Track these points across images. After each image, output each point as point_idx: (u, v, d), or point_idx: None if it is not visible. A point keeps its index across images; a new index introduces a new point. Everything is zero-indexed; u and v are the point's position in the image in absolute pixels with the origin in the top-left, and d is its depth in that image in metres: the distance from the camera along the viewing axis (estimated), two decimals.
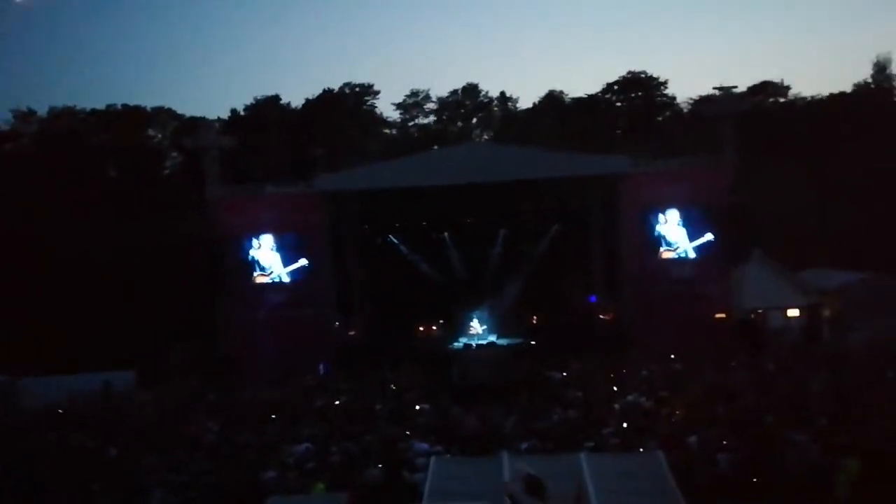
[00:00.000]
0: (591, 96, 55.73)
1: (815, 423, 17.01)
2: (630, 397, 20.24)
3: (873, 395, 19.32)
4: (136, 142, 49.45)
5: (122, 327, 34.06)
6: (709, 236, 31.04)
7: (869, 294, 33.42)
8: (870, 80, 51.63)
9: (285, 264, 31.82)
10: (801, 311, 33.49)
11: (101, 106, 51.44)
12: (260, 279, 31.65)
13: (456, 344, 33.67)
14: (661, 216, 31.36)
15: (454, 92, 58.66)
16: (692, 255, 31.17)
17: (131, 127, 50.06)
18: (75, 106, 50.59)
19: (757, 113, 39.73)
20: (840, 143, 41.88)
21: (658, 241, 31.36)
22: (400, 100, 59.03)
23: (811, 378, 21.68)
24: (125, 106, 51.50)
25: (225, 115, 52.39)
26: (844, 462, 14.94)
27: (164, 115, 52.25)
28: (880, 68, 51.14)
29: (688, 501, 12.56)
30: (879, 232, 37.37)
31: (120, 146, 47.57)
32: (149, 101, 53.90)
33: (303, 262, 31.80)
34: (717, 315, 30.31)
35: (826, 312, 33.87)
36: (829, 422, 17.04)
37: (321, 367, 29.49)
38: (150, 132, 52.56)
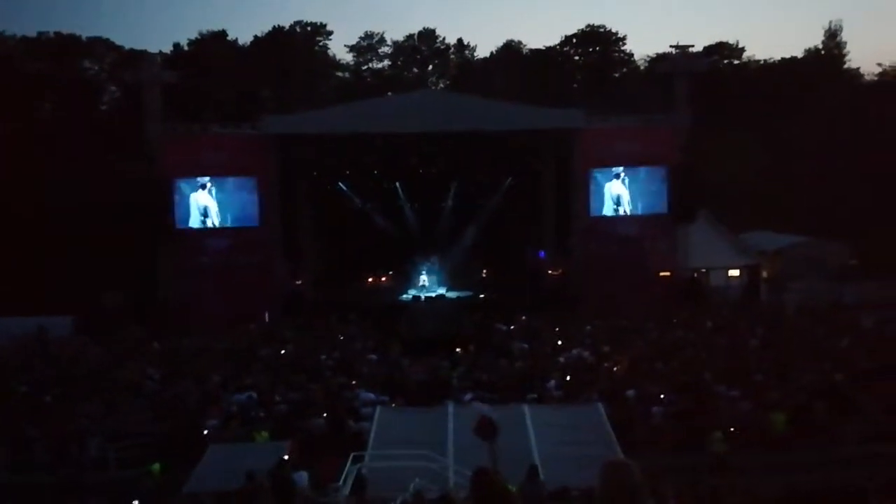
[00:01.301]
0: (548, 48, 55.22)
1: (751, 379, 17.68)
2: (574, 351, 20.63)
3: (804, 352, 20.17)
4: (70, 73, 46.68)
5: (56, 271, 32.70)
6: (657, 195, 31.44)
7: (805, 257, 34.70)
8: (820, 47, 52.57)
9: (230, 209, 30.91)
10: (741, 272, 34.57)
11: (32, 33, 48.38)
12: (203, 223, 30.68)
13: (405, 296, 33.63)
14: (611, 173, 31.55)
15: (410, 36, 57.30)
16: (639, 213, 31.57)
17: (65, 57, 47.15)
18: (3, 32, 47.46)
19: (711, 73, 40.05)
20: (789, 107, 42.73)
21: (607, 197, 31.62)
22: (353, 42, 57.44)
23: (748, 336, 22.47)
24: (58, 34, 48.41)
25: (168, 49, 49.94)
26: (772, 416, 15.64)
27: (101, 46, 49.32)
28: (831, 35, 52.06)
29: (625, 451, 12.95)
30: (819, 197, 38.61)
31: (53, 77, 44.83)
32: (85, 30, 50.77)
33: (249, 206, 30.93)
34: (662, 273, 31.00)
35: (764, 273, 35.04)
36: (764, 377, 17.73)
37: (266, 315, 29.07)
38: (87, 63, 49.69)
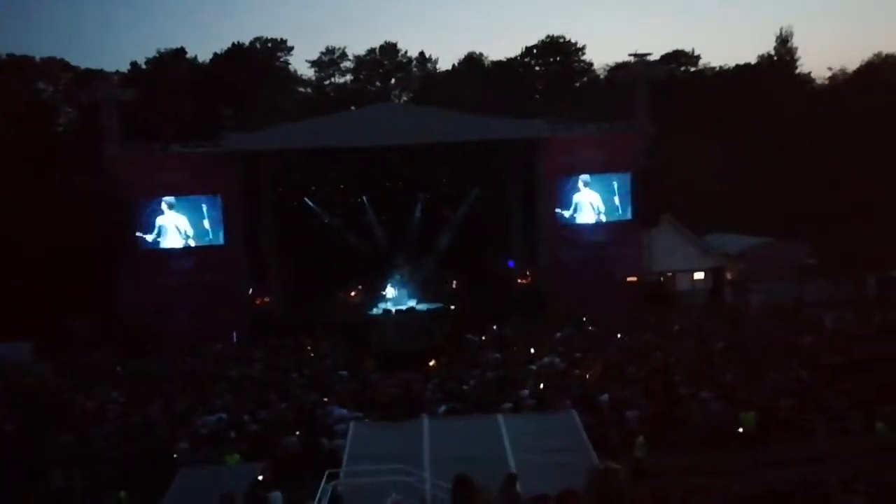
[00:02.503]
0: (510, 59, 55.82)
1: (720, 380, 17.96)
2: (546, 359, 20.70)
3: (770, 351, 20.57)
4: (24, 94, 45.59)
5: (13, 296, 31.72)
6: (621, 201, 31.88)
7: (766, 258, 35.43)
8: (773, 53, 54.05)
9: (193, 229, 30.43)
10: (706, 274, 35.17)
11: None
12: (166, 244, 30.12)
13: (375, 310, 33.40)
14: (576, 181, 31.90)
15: (372, 51, 57.38)
16: (605, 219, 31.96)
17: (18, 78, 46.04)
18: None
19: (669, 81, 40.89)
20: (745, 112, 43.78)
21: (572, 205, 31.96)
22: (315, 57, 57.29)
23: (715, 337, 22.83)
24: (11, 55, 47.35)
25: (125, 67, 49.20)
26: (742, 415, 15.90)
27: (55, 67, 48.37)
28: (783, 41, 53.55)
29: (600, 457, 13.01)
30: (779, 199, 39.55)
31: (6, 99, 43.73)
32: (37, 51, 49.65)
33: (213, 225, 30.50)
34: (629, 278, 31.37)
35: (728, 275, 35.69)
36: (732, 378, 18.02)
37: (234, 335, 28.58)
38: (41, 85, 48.62)
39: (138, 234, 29.66)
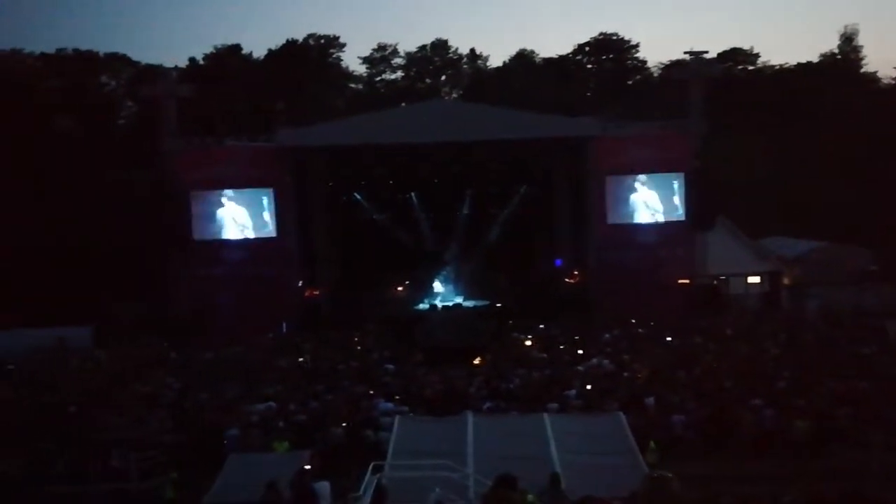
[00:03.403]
0: (561, 57, 55.29)
1: (772, 387, 17.47)
2: (593, 360, 20.49)
3: (827, 360, 19.90)
4: (88, 89, 47.40)
5: (75, 283, 33.04)
6: (674, 202, 31.27)
7: (826, 262, 34.27)
8: (836, 51, 52.18)
9: (246, 221, 31.11)
10: (761, 278, 34.22)
11: (50, 50, 49.20)
12: (219, 235, 30.91)
13: (421, 305, 33.59)
14: (627, 180, 31.43)
15: (423, 47, 57.59)
16: (657, 220, 31.40)
17: (83, 73, 47.87)
18: (23, 49, 48.29)
19: (725, 79, 39.86)
20: (805, 112, 42.40)
21: (623, 205, 31.49)
22: (367, 53, 57.82)
23: (770, 343, 22.22)
24: (76, 50, 49.22)
25: (183, 63, 50.52)
26: (795, 424, 15.44)
27: (118, 62, 50.10)
28: (847, 39, 51.66)
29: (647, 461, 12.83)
30: (839, 202, 38.17)
31: (72, 93, 45.55)
32: (101, 46, 51.52)
33: (264, 218, 31.14)
34: (681, 281, 30.75)
35: (785, 280, 34.66)
36: (786, 385, 17.51)
37: (283, 326, 29.15)
38: (104, 79, 50.42)
39: (194, 224, 30.49)
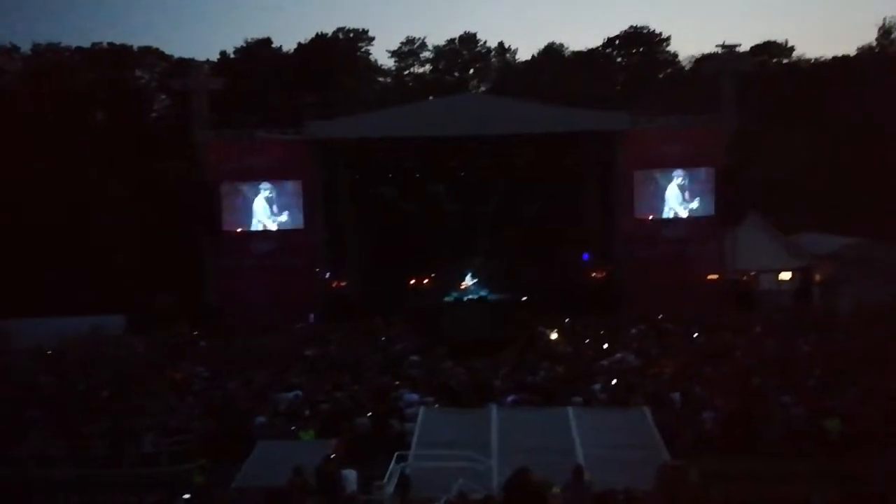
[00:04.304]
0: (591, 50, 54.73)
1: (803, 385, 17.20)
2: (619, 354, 20.37)
3: (860, 358, 19.51)
4: (122, 82, 48.28)
5: (109, 271, 33.79)
6: (704, 197, 30.88)
7: (859, 259, 33.51)
8: (874, 45, 50.89)
9: (275, 212, 31.51)
10: (792, 275, 33.64)
11: (86, 44, 50.14)
12: (248, 226, 31.34)
13: (447, 297, 33.67)
14: (656, 175, 31.10)
15: (451, 41, 57.42)
16: (686, 215, 31.04)
17: (117, 67, 48.75)
18: (60, 43, 49.27)
19: (758, 73, 39.12)
20: (841, 106, 41.43)
21: (652, 200, 31.18)
22: (395, 47, 57.85)
23: (800, 341, 21.86)
24: (111, 45, 50.08)
25: (215, 57, 51.14)
26: (826, 422, 15.19)
27: (151, 56, 50.85)
28: (885, 32, 50.33)
29: (672, 456, 12.73)
30: (874, 197, 37.30)
31: (106, 86, 46.44)
32: (135, 41, 52.18)
33: (294, 209, 31.47)
34: (710, 276, 30.39)
35: (817, 276, 34.01)
36: (816, 384, 17.23)
37: (310, 316, 29.47)
38: (138, 73, 51.26)
39: (224, 215, 30.94)
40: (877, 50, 50.56)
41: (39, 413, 16.37)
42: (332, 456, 12.17)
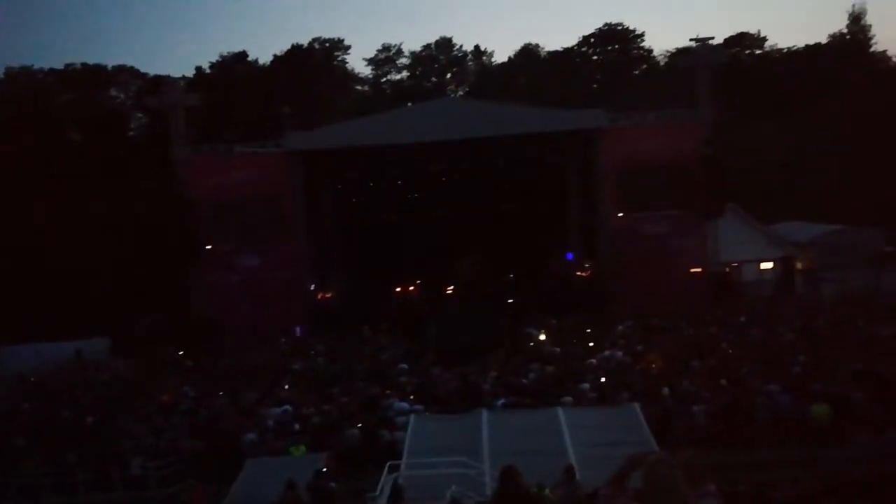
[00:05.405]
0: (566, 49, 55.08)
1: (789, 373, 17.33)
2: (607, 352, 20.40)
3: (844, 343, 19.69)
4: (98, 102, 47.91)
5: (90, 294, 33.39)
6: (684, 191, 30.99)
7: (838, 246, 33.87)
8: (845, 31, 51.56)
9: (258, 226, 31.24)
10: (774, 264, 33.91)
11: (59, 65, 49.74)
12: (232, 243, 31.07)
13: (433, 303, 33.57)
14: (636, 171, 31.17)
15: (427, 46, 57.64)
16: (667, 210, 31.16)
17: (92, 87, 48.37)
18: (32, 66, 48.87)
19: (733, 65, 39.47)
20: (815, 94, 41.92)
21: (633, 196, 31.27)
22: (371, 55, 57.95)
23: (785, 329, 22.02)
24: (84, 65, 49.72)
25: (190, 72, 50.92)
26: (814, 408, 15.30)
27: (126, 74, 50.53)
28: (855, 18, 51.02)
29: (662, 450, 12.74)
30: (851, 184, 37.74)
31: (81, 107, 46.05)
32: (109, 60, 51.95)
33: (276, 223, 31.24)
34: (693, 269, 30.54)
35: (799, 265, 34.32)
36: (803, 370, 17.36)
37: (297, 329, 29.29)
38: (113, 92, 50.90)
39: (207, 232, 30.67)
40: (847, 37, 51.22)
41: (24, 442, 16.13)
42: (325, 470, 12.09)
